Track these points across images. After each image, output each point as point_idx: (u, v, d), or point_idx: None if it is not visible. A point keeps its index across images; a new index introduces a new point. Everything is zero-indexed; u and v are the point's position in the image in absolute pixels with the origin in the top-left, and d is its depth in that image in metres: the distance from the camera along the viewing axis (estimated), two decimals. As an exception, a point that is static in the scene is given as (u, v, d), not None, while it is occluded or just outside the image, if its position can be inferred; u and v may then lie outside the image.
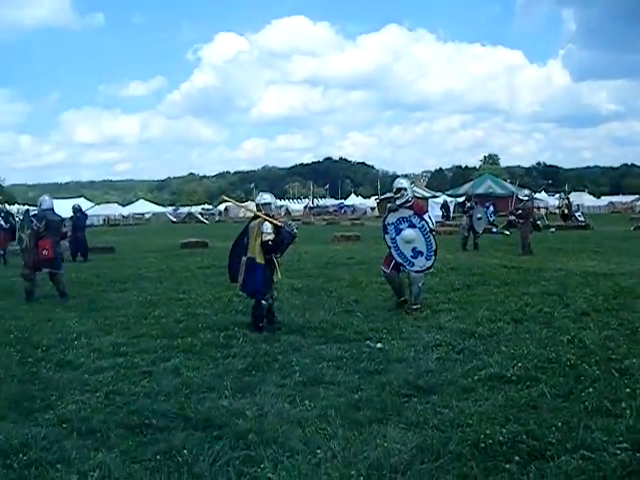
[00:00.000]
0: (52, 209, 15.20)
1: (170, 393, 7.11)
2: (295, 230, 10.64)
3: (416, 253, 11.49)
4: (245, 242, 10.61)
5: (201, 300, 13.53)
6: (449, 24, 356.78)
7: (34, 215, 14.96)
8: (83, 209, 27.94)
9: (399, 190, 11.82)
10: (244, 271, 10.44)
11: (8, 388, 7.47)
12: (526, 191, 26.04)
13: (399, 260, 11.71)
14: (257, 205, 10.90)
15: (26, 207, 20.94)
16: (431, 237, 11.41)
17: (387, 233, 11.86)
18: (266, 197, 10.93)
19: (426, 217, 11.62)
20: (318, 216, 77.84)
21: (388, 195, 12.25)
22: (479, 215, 25.56)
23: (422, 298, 11.97)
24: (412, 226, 11.49)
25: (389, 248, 11.87)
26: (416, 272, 11.58)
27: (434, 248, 11.40)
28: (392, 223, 11.77)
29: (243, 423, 6.09)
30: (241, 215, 67.48)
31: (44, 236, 14.28)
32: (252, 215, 11.02)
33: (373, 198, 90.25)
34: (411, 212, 11.57)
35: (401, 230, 11.58)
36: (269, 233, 10.24)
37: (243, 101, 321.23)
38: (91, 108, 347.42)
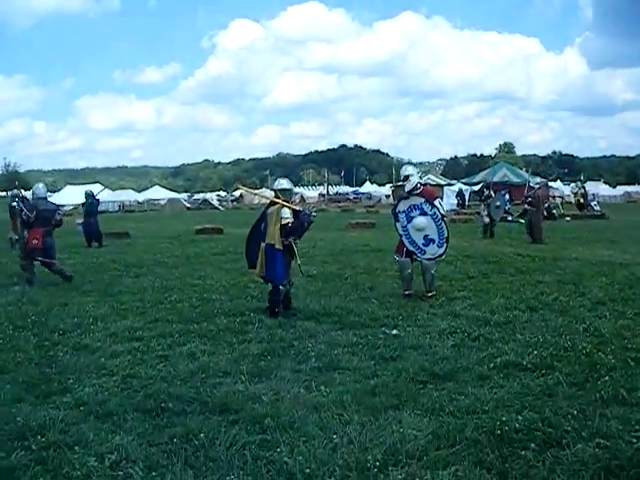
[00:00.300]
0: (45, 198, 15.23)
1: (186, 377, 7.16)
2: (313, 214, 10.66)
3: (428, 241, 11.49)
4: (263, 229, 10.65)
5: (216, 286, 13.57)
6: (466, 12, 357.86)
7: (24, 204, 14.90)
8: (98, 195, 27.83)
9: (406, 178, 11.78)
10: (263, 257, 10.49)
11: (26, 371, 7.51)
12: (538, 179, 25.78)
13: (411, 248, 11.70)
14: (275, 191, 10.89)
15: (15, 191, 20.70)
16: (443, 224, 11.40)
17: (398, 221, 11.84)
18: (283, 183, 10.96)
19: (436, 203, 11.57)
20: (338, 203, 77.92)
21: (400, 183, 12.22)
22: (497, 203, 25.45)
23: (436, 285, 11.97)
24: (424, 214, 11.48)
25: (400, 236, 11.84)
26: (428, 260, 11.58)
27: (446, 235, 11.41)
28: (403, 211, 11.76)
29: (259, 408, 6.11)
30: (256, 202, 67.55)
31: (34, 225, 14.28)
32: (268, 201, 11.01)
33: (388, 186, 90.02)
34: (422, 199, 11.54)
35: (412, 218, 11.58)
36: (288, 217, 10.27)
37: (258, 88, 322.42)
38: (106, 94, 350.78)
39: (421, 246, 11.57)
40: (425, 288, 11.72)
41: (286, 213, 10.31)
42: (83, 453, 5.19)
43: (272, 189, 11.21)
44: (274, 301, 10.40)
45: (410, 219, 11.60)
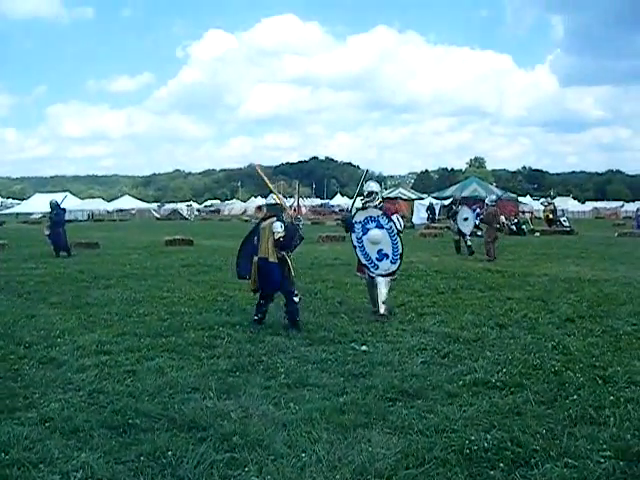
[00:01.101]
0: None
1: (154, 393, 7.08)
2: (301, 226, 10.82)
3: (382, 255, 11.42)
4: (256, 242, 10.71)
5: (185, 299, 13.47)
6: (439, 27, 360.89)
7: None
8: (63, 204, 27.39)
9: (370, 194, 11.76)
10: (256, 272, 10.58)
11: (-10, 385, 7.41)
12: (494, 196, 25.58)
13: (363, 261, 11.65)
14: (267, 206, 11.01)
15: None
16: (398, 240, 11.32)
17: (354, 232, 11.75)
18: (274, 197, 11.04)
19: (394, 218, 11.47)
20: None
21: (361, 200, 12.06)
22: (465, 216, 24.87)
23: (407, 301, 12.01)
24: (380, 227, 11.42)
25: (354, 248, 11.78)
26: (380, 276, 11.47)
27: (400, 251, 11.35)
28: (359, 222, 11.68)
29: (227, 425, 6.07)
30: (226, 213, 67.28)
31: None
32: (258, 216, 11.05)
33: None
34: (380, 212, 11.49)
35: (368, 230, 11.52)
36: (279, 232, 10.32)
37: (231, 99, 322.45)
38: (78, 102, 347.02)
39: (374, 260, 11.50)
40: (373, 306, 11.63)
41: (278, 227, 10.37)
42: (48, 471, 5.12)
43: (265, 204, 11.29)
44: (292, 311, 10.49)
45: (366, 231, 11.55)
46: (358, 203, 12.09)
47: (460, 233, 24.42)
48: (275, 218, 10.55)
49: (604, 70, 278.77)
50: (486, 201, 24.97)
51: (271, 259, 10.37)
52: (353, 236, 11.78)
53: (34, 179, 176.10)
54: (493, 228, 22.40)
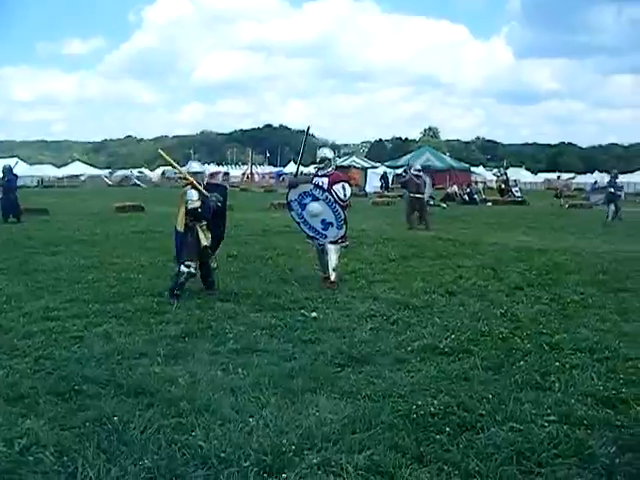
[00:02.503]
0: None
1: (101, 359, 7.01)
2: (219, 202, 10.42)
3: (326, 225, 11.35)
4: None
5: (135, 265, 13.37)
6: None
7: None
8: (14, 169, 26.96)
9: (322, 160, 11.64)
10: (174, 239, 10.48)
11: None
12: (418, 166, 25.24)
13: (311, 234, 11.63)
14: (189, 174, 10.72)
15: None
16: (337, 207, 11.19)
17: (292, 210, 11.74)
18: (195, 166, 10.82)
19: (339, 186, 11.28)
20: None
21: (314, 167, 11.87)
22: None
23: (357, 269, 12.02)
24: (315, 199, 11.34)
25: (298, 224, 11.78)
26: (331, 243, 11.42)
27: (343, 217, 11.26)
28: (295, 200, 11.64)
29: (175, 390, 6.03)
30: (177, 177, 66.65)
31: None
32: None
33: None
34: (311, 186, 11.40)
35: (305, 205, 11.44)
36: (194, 201, 10.12)
37: (185, 64, 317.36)
38: (28, 66, 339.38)
39: (321, 230, 11.45)
40: (324, 271, 11.54)
41: (193, 196, 10.16)
42: (-9, 438, 5.04)
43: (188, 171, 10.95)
44: (175, 281, 10.22)
45: (303, 206, 11.48)
46: (311, 169, 12.01)
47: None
48: (190, 186, 10.30)
49: (559, 43, 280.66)
50: (411, 170, 24.78)
51: (179, 228, 10.25)
52: (292, 214, 11.77)
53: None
54: (412, 197, 22.45)
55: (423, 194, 22.61)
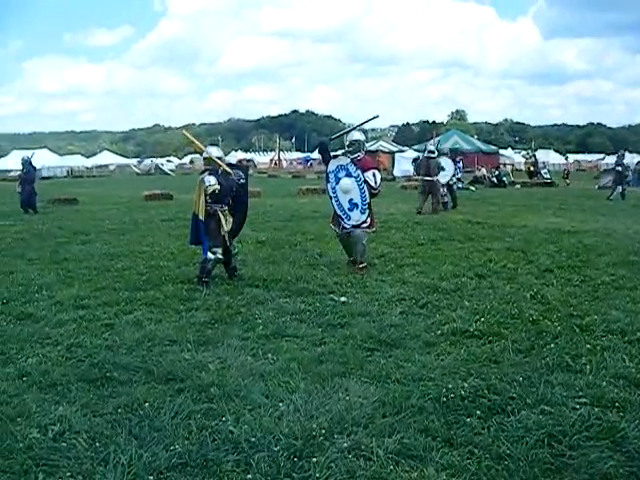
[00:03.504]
0: None
1: (132, 346, 7.07)
2: (242, 180, 10.51)
3: (352, 205, 11.23)
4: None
5: (164, 252, 13.43)
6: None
7: None
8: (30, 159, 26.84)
9: (352, 143, 11.51)
10: (191, 225, 10.52)
11: (-33, 340, 7.37)
12: (432, 147, 24.31)
13: (338, 212, 11.49)
14: (204, 159, 10.71)
15: None
16: (365, 189, 11.06)
17: (329, 182, 11.62)
18: (213, 151, 10.72)
19: (370, 174, 11.19)
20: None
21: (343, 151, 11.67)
22: (442, 164, 23.06)
23: (386, 252, 11.98)
24: (349, 175, 11.23)
25: (330, 198, 11.63)
26: (354, 227, 11.33)
27: (367, 201, 11.12)
28: (332, 171, 11.51)
29: (205, 376, 6.06)
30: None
31: None
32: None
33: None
34: (348, 160, 11.28)
35: (339, 179, 11.34)
36: (212, 185, 10.06)
37: (211, 52, 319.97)
38: (56, 57, 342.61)
39: (347, 210, 11.33)
40: (356, 259, 11.40)
41: (210, 180, 10.09)
42: (25, 425, 5.09)
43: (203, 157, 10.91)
44: (202, 268, 10.24)
45: (338, 180, 11.38)
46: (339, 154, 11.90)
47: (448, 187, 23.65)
48: (207, 173, 10.28)
49: (587, 22, 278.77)
50: (423, 154, 24.22)
51: (200, 216, 10.17)
52: (328, 186, 11.66)
53: (12, 136, 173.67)
54: (424, 180, 22.14)
55: (433, 176, 22.11)
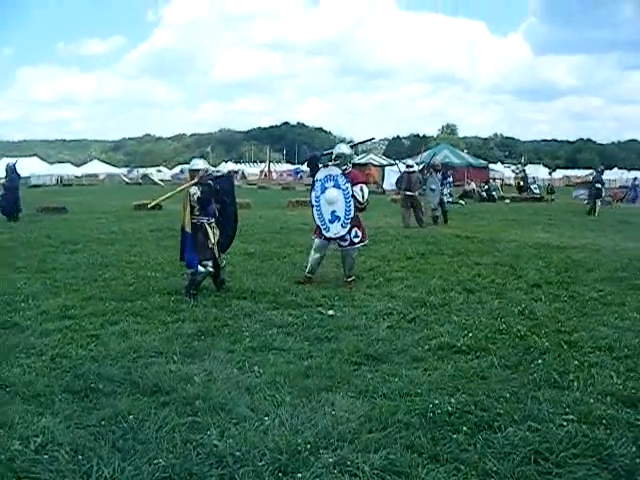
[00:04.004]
0: None
1: (117, 357, 7.03)
2: (216, 173, 10.40)
3: (334, 217, 11.08)
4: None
5: (152, 263, 13.39)
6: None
7: None
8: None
9: (338, 156, 11.33)
10: (180, 241, 10.45)
11: (-50, 349, 7.31)
12: (410, 162, 24.19)
13: (317, 221, 11.33)
14: (190, 171, 10.67)
15: None
16: (351, 203, 10.92)
17: (313, 189, 11.45)
18: (198, 163, 10.69)
19: (358, 188, 11.02)
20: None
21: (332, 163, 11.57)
22: (432, 186, 23.40)
23: (374, 266, 11.94)
24: (337, 186, 11.08)
25: (312, 207, 11.45)
26: (330, 239, 11.22)
27: (351, 215, 10.96)
28: (320, 179, 11.32)
29: (191, 389, 6.02)
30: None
31: None
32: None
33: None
34: (339, 171, 11.12)
35: (326, 189, 11.18)
36: (195, 192, 10.06)
37: (203, 63, 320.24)
38: (48, 66, 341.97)
39: (327, 222, 11.17)
40: (345, 273, 11.34)
41: (194, 189, 10.11)
42: (7, 436, 5.04)
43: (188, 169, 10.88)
44: (191, 280, 10.18)
45: (324, 189, 11.23)
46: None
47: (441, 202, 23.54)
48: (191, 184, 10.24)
49: (578, 39, 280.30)
50: (403, 168, 24.21)
51: (187, 228, 10.13)
52: (312, 194, 11.48)
53: (1, 143, 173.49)
54: (404, 195, 22.12)
55: (414, 192, 22.05)
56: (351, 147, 12.21)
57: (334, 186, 11.11)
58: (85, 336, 7.89)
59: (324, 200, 11.20)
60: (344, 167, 11.21)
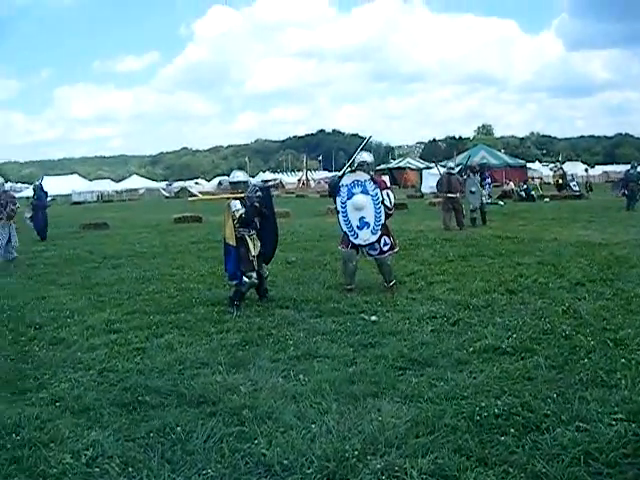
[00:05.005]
0: None
1: (163, 369, 7.10)
2: (258, 193, 10.38)
3: (363, 224, 10.92)
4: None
5: (195, 275, 13.50)
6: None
7: None
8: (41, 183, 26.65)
9: (361, 164, 11.18)
10: (224, 254, 10.51)
11: (1, 367, 7.45)
12: (451, 164, 23.89)
13: (344, 228, 11.15)
14: (231, 184, 10.73)
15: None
16: (381, 209, 10.82)
17: (339, 195, 11.22)
18: (238, 175, 10.75)
19: (384, 193, 10.93)
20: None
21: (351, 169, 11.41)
22: (472, 188, 23.18)
23: (415, 270, 11.91)
24: (365, 192, 10.94)
25: (337, 212, 11.28)
26: (360, 245, 11.08)
27: (381, 222, 10.85)
28: (346, 185, 11.13)
29: (237, 399, 6.06)
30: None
31: None
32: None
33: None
34: (367, 177, 10.99)
35: (353, 195, 11.02)
36: (238, 209, 10.11)
37: (237, 74, 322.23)
38: (85, 84, 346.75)
39: (355, 228, 11.01)
40: (385, 279, 11.21)
41: (236, 205, 10.15)
42: (58, 450, 5.12)
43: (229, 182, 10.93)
44: (235, 292, 10.22)
45: (351, 195, 11.06)
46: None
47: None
48: (232, 198, 10.31)
49: (610, 33, 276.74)
50: (442, 170, 23.97)
51: (230, 242, 10.21)
52: (337, 200, 11.26)
53: (42, 162, 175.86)
54: (446, 197, 21.97)
55: (455, 193, 21.96)
56: (356, 154, 11.99)
57: (362, 192, 10.97)
58: (131, 349, 8.00)
59: (351, 206, 11.04)
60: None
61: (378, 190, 10.88)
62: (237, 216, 10.10)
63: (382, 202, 10.85)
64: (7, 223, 16.60)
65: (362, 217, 10.93)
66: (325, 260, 14.80)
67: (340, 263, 11.51)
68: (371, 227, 10.90)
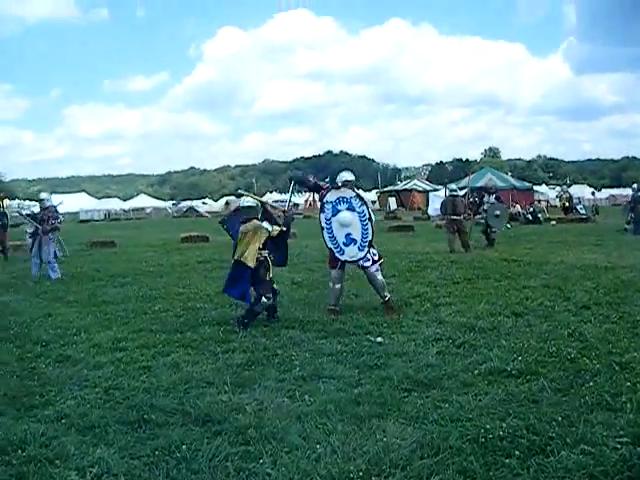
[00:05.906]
0: None
1: (169, 388, 7.11)
2: (292, 213, 10.75)
3: (349, 240, 10.90)
4: (234, 245, 10.60)
5: (201, 294, 13.52)
6: (451, 18, 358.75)
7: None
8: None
9: (345, 183, 11.09)
10: (233, 275, 10.48)
11: (7, 384, 7.47)
12: (453, 186, 24.01)
13: (329, 244, 11.14)
14: (242, 208, 10.74)
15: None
16: (369, 225, 10.79)
17: (323, 212, 11.19)
18: (249, 200, 10.76)
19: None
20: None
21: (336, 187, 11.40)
22: (497, 212, 23.40)
23: (422, 292, 11.91)
24: (351, 209, 10.89)
25: (322, 229, 11.22)
26: (346, 261, 11.10)
27: (369, 239, 10.81)
28: (331, 201, 11.09)
29: (242, 418, 6.07)
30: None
31: None
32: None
33: (374, 192, 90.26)
34: (353, 194, 10.93)
35: (339, 211, 10.97)
36: (275, 229, 10.39)
37: (245, 95, 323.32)
38: (95, 103, 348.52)
39: (341, 245, 11.00)
40: (380, 295, 11.21)
41: (269, 226, 10.35)
42: (64, 467, 5.14)
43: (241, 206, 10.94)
44: (248, 311, 10.28)
45: (336, 212, 11.01)
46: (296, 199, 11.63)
47: (487, 225, 23.36)
48: (256, 220, 10.40)
49: (617, 57, 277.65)
50: (446, 192, 24.04)
51: (249, 263, 10.20)
52: (322, 216, 11.22)
53: (51, 180, 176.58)
54: (450, 219, 22.00)
55: (459, 215, 22.02)
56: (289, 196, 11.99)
57: (348, 209, 10.94)
58: (137, 368, 8.02)
59: (337, 223, 11.01)
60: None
61: (365, 207, 10.90)
62: (275, 234, 10.31)
63: (369, 218, 10.85)
64: (46, 238, 16.77)
65: (348, 234, 10.93)
66: (331, 281, 14.78)
67: (329, 284, 11.40)
68: (358, 244, 10.89)
